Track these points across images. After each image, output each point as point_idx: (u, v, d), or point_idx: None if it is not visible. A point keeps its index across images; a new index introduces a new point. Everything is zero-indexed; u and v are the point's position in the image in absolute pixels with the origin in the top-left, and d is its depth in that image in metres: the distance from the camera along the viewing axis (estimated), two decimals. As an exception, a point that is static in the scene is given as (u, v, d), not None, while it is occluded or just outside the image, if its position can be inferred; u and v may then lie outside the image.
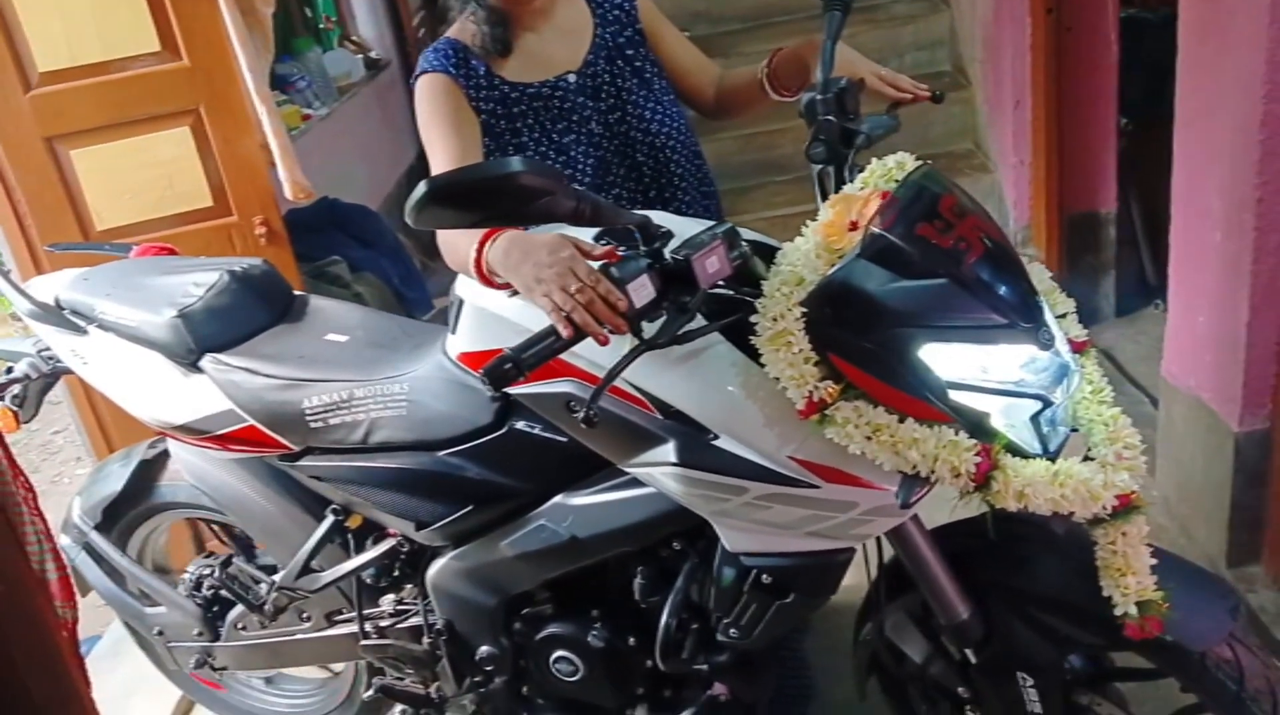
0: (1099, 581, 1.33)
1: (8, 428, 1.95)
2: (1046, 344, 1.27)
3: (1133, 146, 3.33)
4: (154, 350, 1.82)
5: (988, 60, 3.94)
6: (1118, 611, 1.32)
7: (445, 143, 1.67)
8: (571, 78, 1.77)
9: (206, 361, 1.79)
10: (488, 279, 1.38)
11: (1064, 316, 1.41)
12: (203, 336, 1.80)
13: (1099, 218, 3.46)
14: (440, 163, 1.66)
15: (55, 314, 1.94)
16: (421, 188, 1.12)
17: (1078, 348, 1.39)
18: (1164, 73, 2.32)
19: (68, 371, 2.01)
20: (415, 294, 3.79)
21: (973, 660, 1.53)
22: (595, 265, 1.23)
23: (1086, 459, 1.30)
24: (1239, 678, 1.38)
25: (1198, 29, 2.15)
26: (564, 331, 1.19)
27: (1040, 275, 1.40)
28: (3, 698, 1.19)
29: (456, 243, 1.47)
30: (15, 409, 1.99)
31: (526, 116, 1.75)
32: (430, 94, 1.70)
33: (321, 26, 4.98)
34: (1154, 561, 1.33)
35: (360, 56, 5.03)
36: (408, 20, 5.54)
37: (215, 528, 2.16)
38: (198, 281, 1.86)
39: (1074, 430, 1.35)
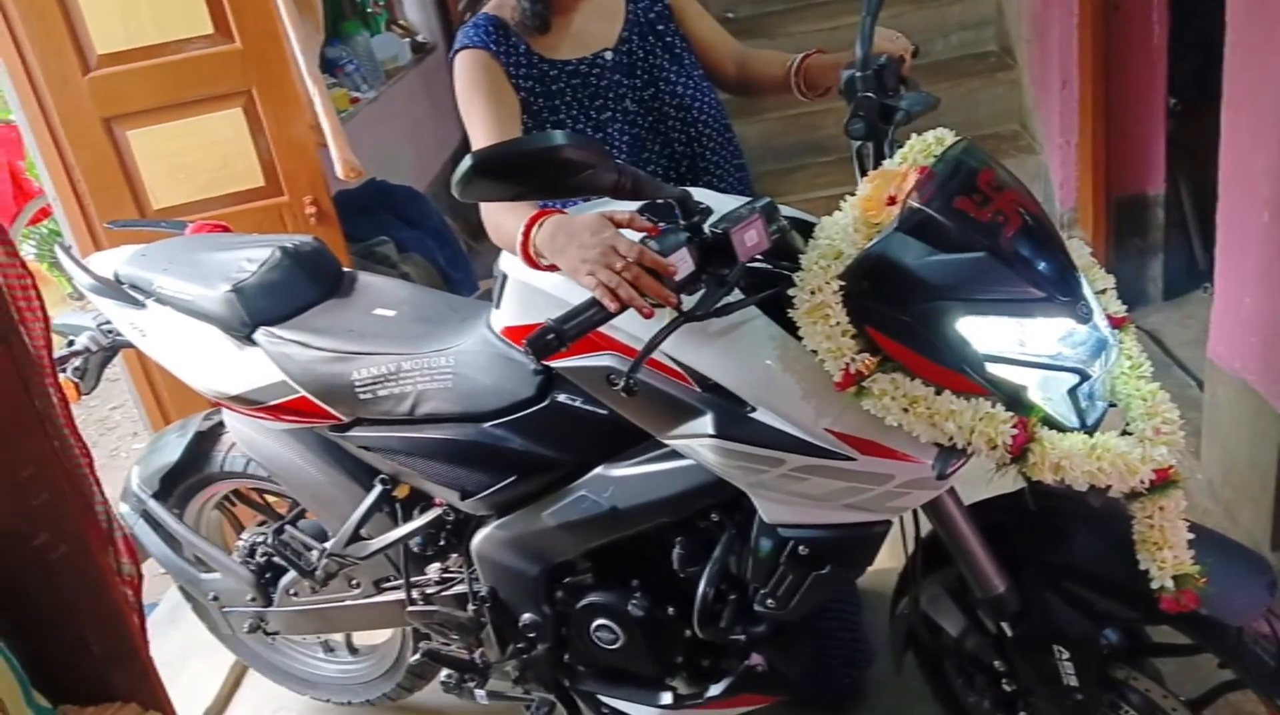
0: (1135, 556, 1.34)
1: (70, 398, 2.02)
2: (1084, 318, 1.28)
3: (1182, 128, 3.28)
4: (209, 323, 1.88)
5: (1035, 40, 3.89)
6: (1154, 585, 1.32)
7: (485, 118, 1.69)
8: (608, 55, 1.80)
9: (260, 334, 1.84)
10: (534, 262, 1.41)
11: (1103, 292, 1.41)
12: (256, 310, 1.85)
13: (1147, 199, 3.41)
14: (479, 137, 1.69)
15: (115, 288, 2.01)
16: (467, 161, 1.15)
17: (1116, 323, 1.39)
18: (1213, 53, 2.29)
19: (127, 345, 2.07)
20: (461, 275, 3.84)
21: (1009, 634, 1.54)
22: (636, 237, 1.26)
23: (1124, 433, 1.30)
24: (1277, 652, 1.38)
25: (1246, 8, 2.12)
26: (611, 306, 1.21)
27: (1079, 250, 1.40)
28: (66, 652, 1.24)
29: (501, 223, 1.50)
30: (76, 381, 2.06)
31: (565, 94, 1.77)
32: (470, 69, 1.73)
33: (369, 10, 5.04)
34: (1191, 536, 1.33)
35: (407, 40, 5.09)
36: (453, 4, 5.59)
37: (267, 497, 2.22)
38: (251, 257, 1.92)
39: (1112, 405, 1.35)
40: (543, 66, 1.77)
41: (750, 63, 1.90)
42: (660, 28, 1.85)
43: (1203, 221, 3.31)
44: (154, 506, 2.15)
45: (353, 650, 2.38)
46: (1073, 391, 1.29)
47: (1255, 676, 1.41)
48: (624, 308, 1.22)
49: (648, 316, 1.23)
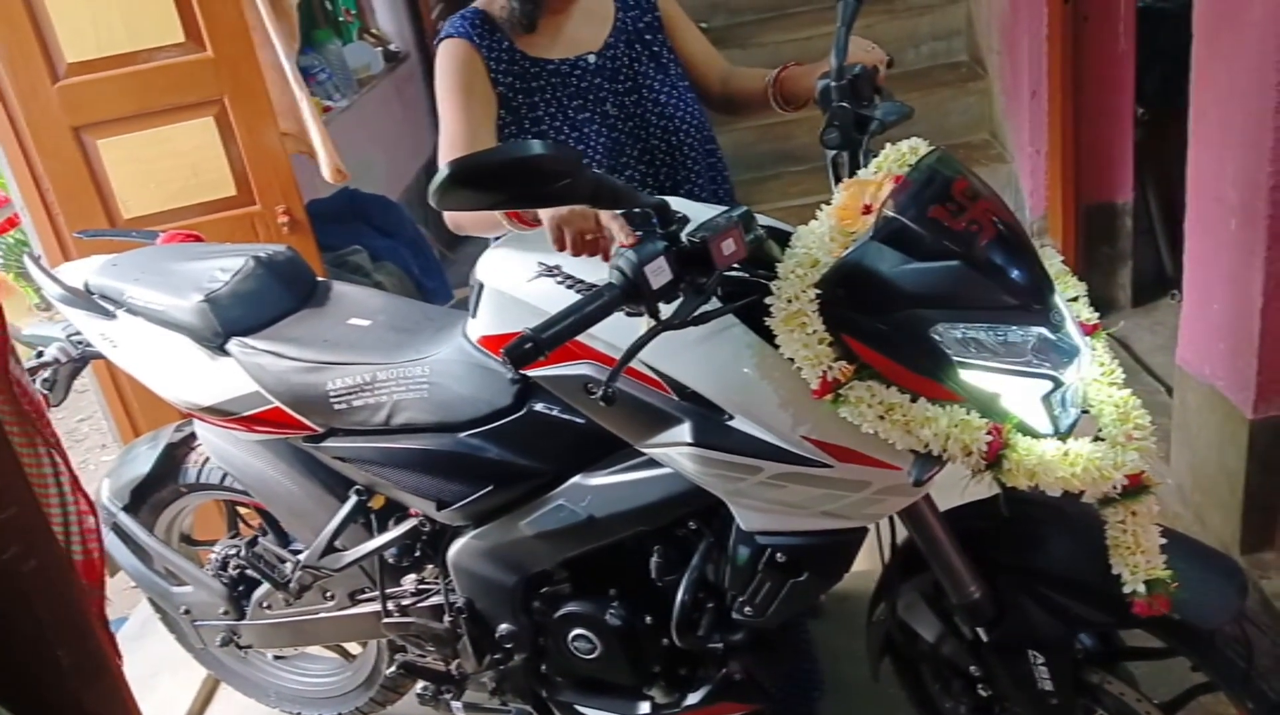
0: (1108, 561, 1.35)
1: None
2: (1057, 325, 1.29)
3: (1150, 137, 3.33)
4: (181, 334, 1.86)
5: (1005, 50, 3.94)
6: (1126, 589, 1.33)
7: (458, 109, 1.72)
8: (592, 58, 1.81)
9: (232, 345, 1.82)
10: (518, 214, 1.47)
11: (1075, 299, 1.42)
12: (228, 320, 1.83)
13: (1115, 208, 3.46)
14: (450, 127, 1.72)
15: (84, 299, 1.98)
16: (444, 170, 1.14)
17: (1089, 330, 1.40)
18: (1180, 62, 2.32)
19: (97, 356, 2.05)
20: (435, 283, 3.82)
21: (984, 639, 1.55)
22: (614, 248, 1.26)
23: (1097, 439, 1.32)
24: (1248, 656, 1.40)
25: (1212, 17, 2.15)
26: (556, 247, 1.35)
27: (1051, 258, 1.41)
28: (34, 668, 1.22)
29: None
30: (45, 392, 2.03)
31: (544, 92, 1.79)
32: (451, 58, 1.75)
33: (341, 19, 5.02)
34: (1163, 541, 1.34)
35: (380, 49, 5.07)
36: (426, 13, 5.58)
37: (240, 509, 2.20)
38: (223, 267, 1.90)
39: (1085, 411, 1.37)
40: (524, 64, 1.78)
41: (733, 80, 1.93)
42: (649, 37, 1.86)
43: (1170, 229, 3.36)
44: (124, 519, 2.12)
45: (347, 656, 2.36)
46: (1046, 398, 1.30)
47: (1227, 680, 1.42)
48: (601, 314, 1.22)
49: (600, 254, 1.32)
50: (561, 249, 1.38)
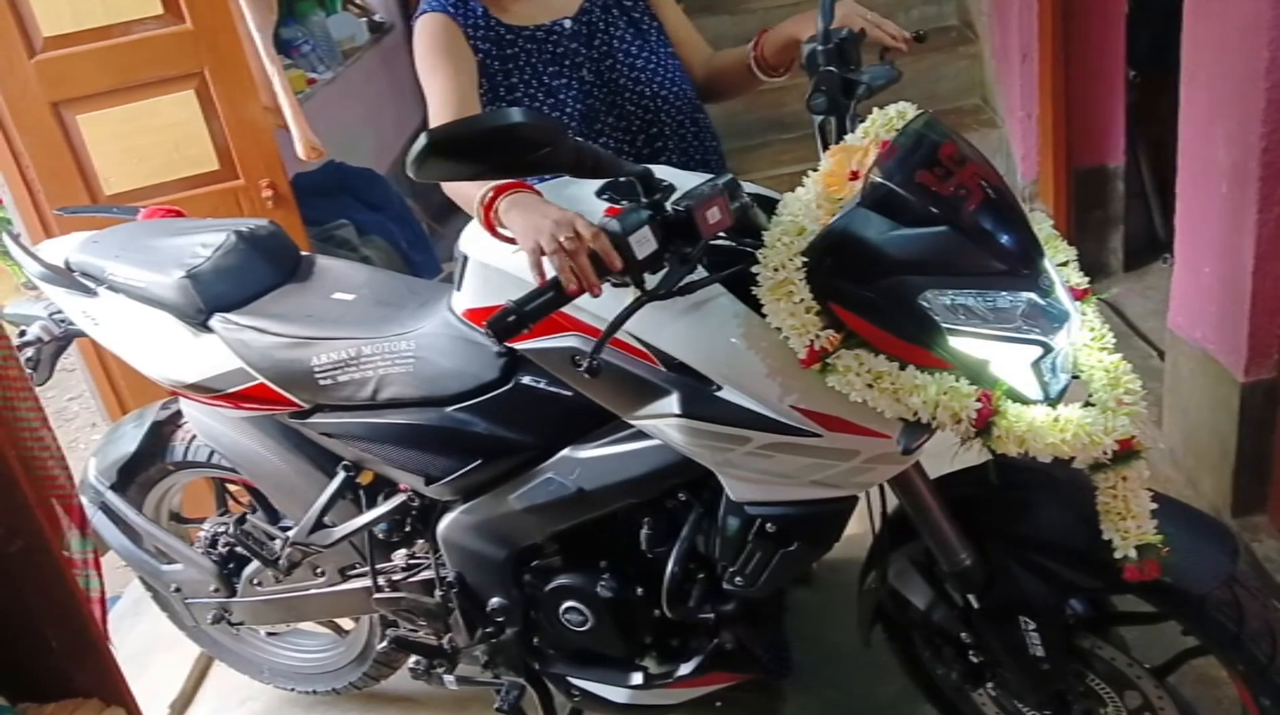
0: (1099, 526, 1.35)
1: (22, 389, 1.98)
2: (1047, 290, 1.28)
3: (1141, 99, 3.30)
4: (164, 310, 1.84)
5: (995, 13, 3.89)
6: (1117, 555, 1.33)
7: (443, 82, 1.70)
8: (567, 23, 1.80)
9: (216, 321, 1.81)
10: (493, 227, 1.40)
11: (1065, 264, 1.41)
12: (211, 296, 1.81)
13: (1107, 172, 3.43)
14: (437, 100, 1.70)
15: (66, 276, 1.96)
16: (421, 140, 1.12)
17: (1079, 295, 1.39)
18: (1171, 24, 2.29)
19: (80, 334, 2.03)
20: (423, 258, 3.79)
21: (975, 606, 1.55)
22: (597, 221, 1.24)
23: (1087, 405, 1.31)
24: (1239, 619, 1.40)
25: (1205, -24, 2.13)
26: (536, 279, 1.22)
27: (1041, 223, 1.40)
28: (25, 648, 1.22)
29: (466, 192, 1.48)
30: (30, 372, 2.01)
31: (519, 58, 1.77)
32: (429, 32, 1.74)
33: (325, -10, 4.95)
34: (1154, 506, 1.34)
35: (364, 20, 5.00)
36: (410, -18, 5.51)
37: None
38: (205, 242, 1.88)
39: (1075, 377, 1.36)
40: (499, 30, 1.76)
41: (715, 61, 1.92)
42: (628, 3, 1.84)
43: (1162, 193, 3.34)
44: (112, 498, 2.11)
45: (340, 632, 2.35)
46: (1036, 364, 1.29)
47: (1218, 643, 1.43)
48: (579, 292, 1.20)
49: (595, 295, 1.21)
50: (542, 279, 1.24)
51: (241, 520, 2.04)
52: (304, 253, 2.03)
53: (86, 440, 4.18)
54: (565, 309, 1.27)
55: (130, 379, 2.67)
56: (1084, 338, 1.37)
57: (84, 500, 2.12)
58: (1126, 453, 1.29)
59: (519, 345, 1.51)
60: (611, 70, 1.81)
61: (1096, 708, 1.62)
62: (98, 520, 2.14)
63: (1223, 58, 2.08)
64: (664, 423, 1.44)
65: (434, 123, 1.70)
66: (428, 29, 1.75)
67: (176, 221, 2.12)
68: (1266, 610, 1.43)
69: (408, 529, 1.86)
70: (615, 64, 1.81)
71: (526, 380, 1.57)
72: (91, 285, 1.93)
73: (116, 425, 2.24)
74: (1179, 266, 2.43)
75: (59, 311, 2.03)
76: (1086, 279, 1.42)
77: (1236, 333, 2.18)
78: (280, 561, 1.94)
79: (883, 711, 2.06)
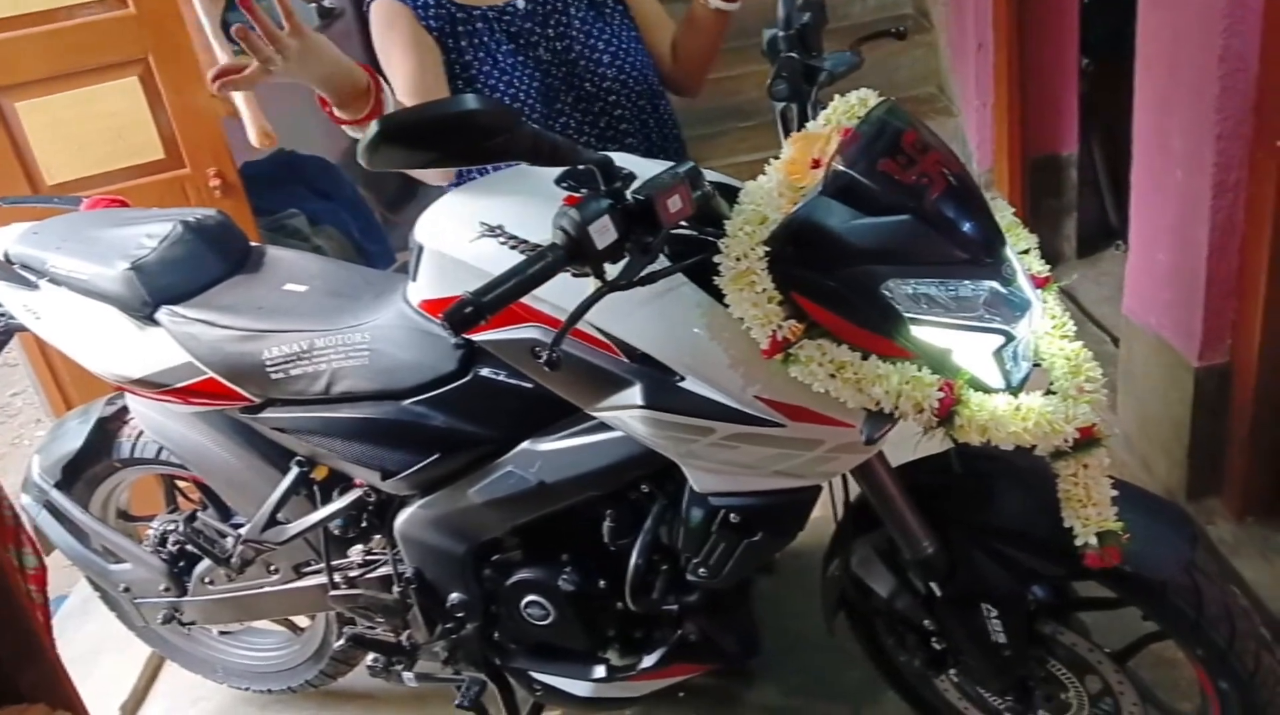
0: (1060, 514, 1.35)
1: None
2: (1009, 279, 1.28)
3: (1094, 88, 3.33)
4: (107, 303, 1.79)
5: (951, 2, 3.91)
6: (1078, 542, 1.33)
7: (404, 66, 1.68)
8: (520, 3, 1.78)
9: (162, 314, 1.76)
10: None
11: (1026, 252, 1.41)
12: (157, 288, 1.76)
13: (1060, 160, 3.47)
14: (401, 85, 1.67)
15: (5, 269, 1.90)
16: (373, 128, 1.09)
17: (1040, 283, 1.39)
18: (1125, 14, 2.31)
19: (21, 328, 1.97)
20: (376, 247, 3.73)
21: (938, 593, 1.55)
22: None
23: (1049, 393, 1.31)
24: (1198, 605, 1.41)
25: (1158, -34, 2.14)
26: None
27: (1003, 211, 1.39)
28: (-34, 654, 1.18)
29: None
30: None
31: (472, 37, 1.74)
32: (384, 19, 1.72)
33: (273, -26, 4.85)
34: (1114, 493, 1.34)
35: (314, 5, 4.90)
36: (362, -33, 5.42)
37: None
38: (150, 233, 1.82)
39: (1037, 365, 1.36)
40: (450, 9, 1.74)
41: (677, 33, 1.90)
42: None
43: (1115, 181, 3.38)
44: (57, 497, 2.05)
45: (295, 630, 2.31)
46: (998, 353, 1.28)
47: (1177, 628, 1.45)
48: (544, 277, 1.17)
49: None
50: None
51: (192, 518, 1.99)
52: (254, 243, 1.98)
53: (31, 436, 4.08)
54: (525, 300, 1.24)
55: (75, 374, 2.60)
56: (1045, 326, 1.37)
57: (29, 498, 2.08)
58: (1087, 440, 1.28)
59: (477, 337, 1.48)
60: (568, 51, 1.79)
61: (1058, 692, 1.63)
62: (42, 519, 2.08)
63: (1177, 46, 2.09)
64: (626, 414, 1.42)
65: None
66: (380, 16, 1.72)
67: (121, 212, 2.06)
68: (1225, 595, 1.45)
69: (364, 525, 1.83)
70: (571, 44, 1.79)
71: (485, 372, 1.54)
72: (32, 278, 1.87)
73: (60, 421, 2.18)
74: (1133, 253, 2.45)
75: (-1, 305, 1.96)
76: (1047, 267, 1.42)
77: (1190, 318, 2.21)
78: (232, 560, 1.89)
79: (846, 698, 2.07)
